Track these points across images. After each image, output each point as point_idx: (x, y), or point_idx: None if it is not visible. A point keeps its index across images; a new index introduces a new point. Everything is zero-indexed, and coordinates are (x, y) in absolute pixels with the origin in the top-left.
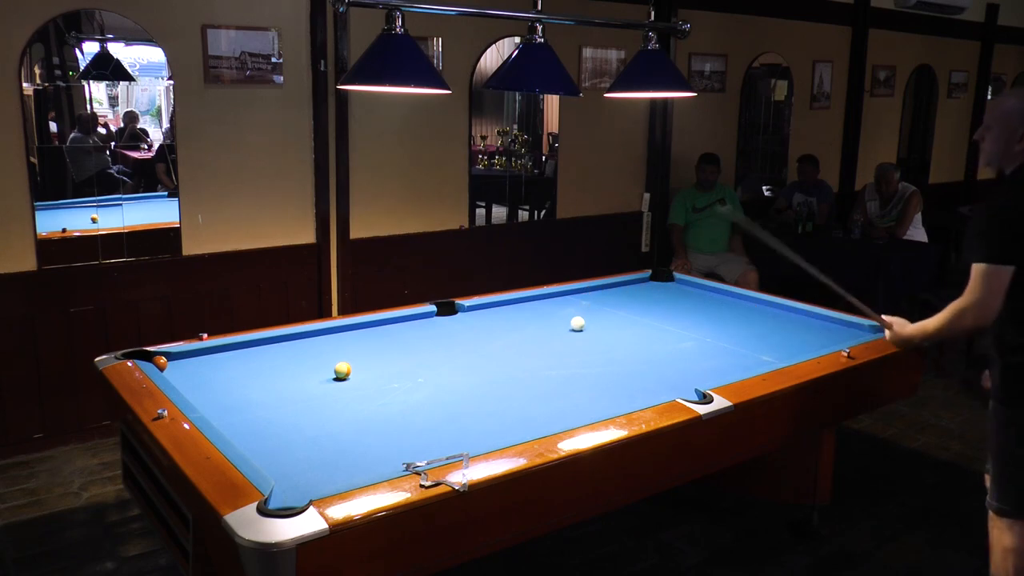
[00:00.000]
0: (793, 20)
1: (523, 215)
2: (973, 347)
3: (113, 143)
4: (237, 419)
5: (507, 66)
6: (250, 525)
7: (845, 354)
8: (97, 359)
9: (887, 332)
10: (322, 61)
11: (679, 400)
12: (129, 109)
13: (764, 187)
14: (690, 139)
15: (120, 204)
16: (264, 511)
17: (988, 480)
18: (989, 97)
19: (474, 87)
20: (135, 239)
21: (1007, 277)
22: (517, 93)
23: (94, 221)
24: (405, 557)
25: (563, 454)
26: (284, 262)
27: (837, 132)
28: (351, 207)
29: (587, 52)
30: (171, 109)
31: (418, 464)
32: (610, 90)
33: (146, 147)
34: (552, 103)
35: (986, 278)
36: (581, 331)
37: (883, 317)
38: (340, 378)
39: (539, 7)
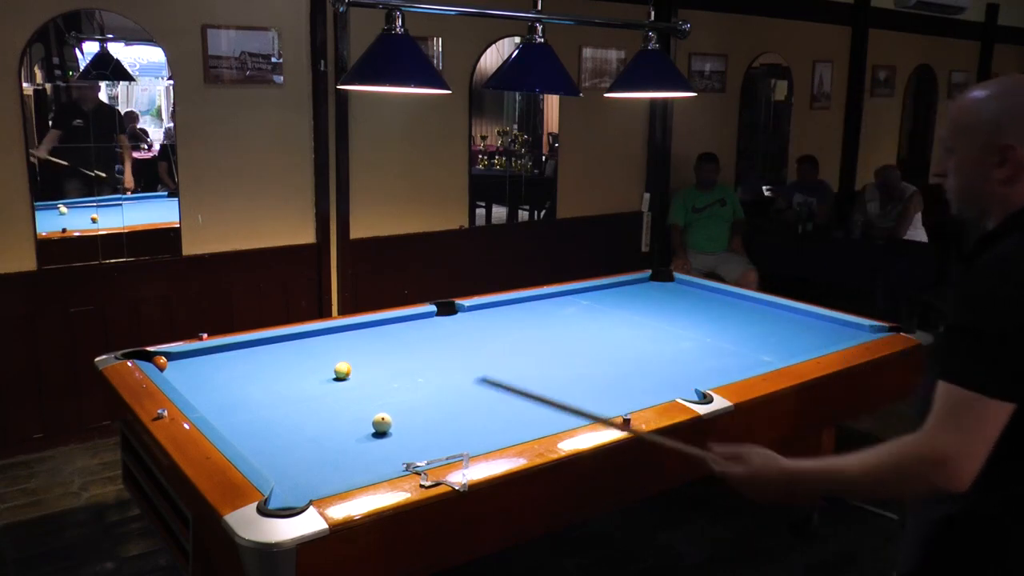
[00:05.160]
0: (793, 20)
1: (523, 215)
2: None
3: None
4: (237, 419)
5: (507, 66)
6: (250, 525)
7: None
8: (97, 359)
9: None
10: (322, 61)
11: (679, 400)
12: (129, 109)
13: (764, 187)
14: (690, 139)
15: (120, 204)
16: (264, 511)
17: None
18: None
19: (474, 87)
20: (135, 239)
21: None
22: (517, 93)
23: (94, 221)
24: (405, 557)
25: (563, 454)
26: (284, 262)
27: (837, 132)
28: (351, 207)
29: (587, 52)
30: (171, 109)
31: (418, 464)
32: (610, 90)
33: (146, 147)
34: (552, 103)
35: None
36: (383, 432)
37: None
38: (340, 378)
39: (539, 7)
